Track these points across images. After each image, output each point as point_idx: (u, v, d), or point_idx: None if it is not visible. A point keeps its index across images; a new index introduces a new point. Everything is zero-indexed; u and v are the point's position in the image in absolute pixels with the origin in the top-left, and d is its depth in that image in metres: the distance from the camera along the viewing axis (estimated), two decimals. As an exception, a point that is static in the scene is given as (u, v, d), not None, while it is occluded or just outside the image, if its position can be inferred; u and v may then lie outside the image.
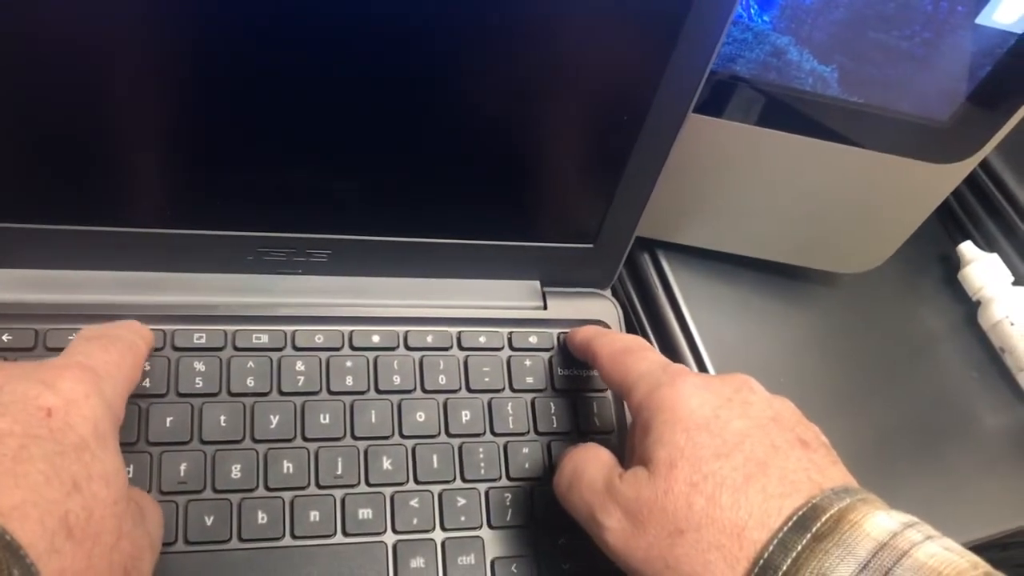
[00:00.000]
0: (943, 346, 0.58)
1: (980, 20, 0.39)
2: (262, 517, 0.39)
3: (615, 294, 0.53)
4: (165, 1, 0.33)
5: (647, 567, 0.33)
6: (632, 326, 0.54)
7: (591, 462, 0.37)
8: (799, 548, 0.30)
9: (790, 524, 0.31)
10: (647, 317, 0.54)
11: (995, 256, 0.58)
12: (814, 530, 0.30)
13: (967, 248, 0.58)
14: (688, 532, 0.32)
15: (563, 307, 0.47)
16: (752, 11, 0.40)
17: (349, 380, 0.42)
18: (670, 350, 0.52)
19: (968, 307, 0.59)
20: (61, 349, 0.38)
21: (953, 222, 0.62)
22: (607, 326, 0.47)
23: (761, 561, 0.30)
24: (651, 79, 0.39)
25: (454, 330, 0.45)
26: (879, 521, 0.30)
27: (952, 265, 0.60)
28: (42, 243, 0.39)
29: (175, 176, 0.39)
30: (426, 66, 0.37)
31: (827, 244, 0.52)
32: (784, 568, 0.30)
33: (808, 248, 0.53)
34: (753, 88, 0.43)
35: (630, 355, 0.39)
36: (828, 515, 0.31)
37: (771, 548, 0.30)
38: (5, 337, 0.39)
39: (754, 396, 0.36)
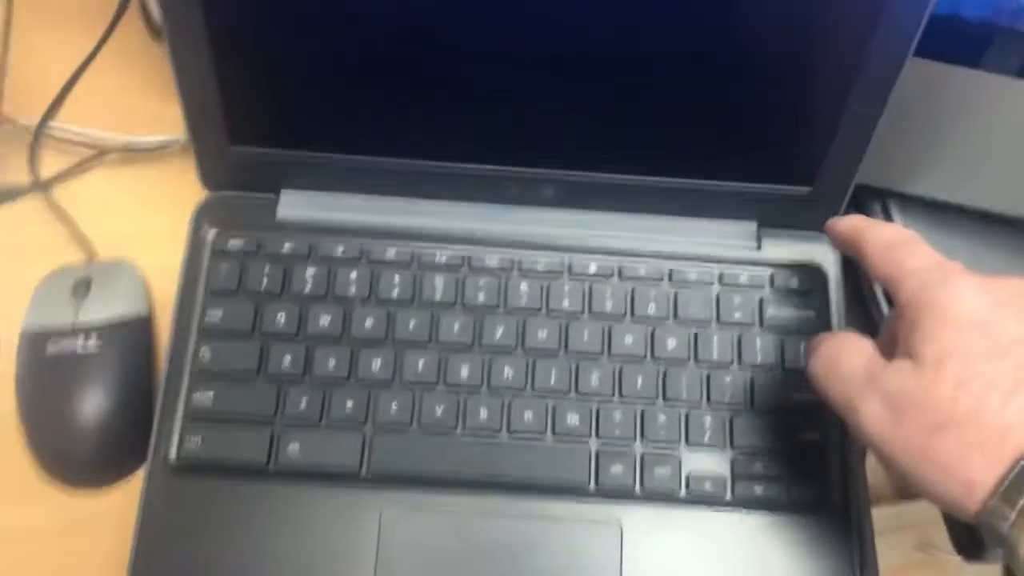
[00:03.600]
0: None
1: None
2: (484, 413, 0.44)
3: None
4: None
5: (903, 455, 0.34)
6: (855, 276, 0.54)
7: (851, 349, 0.37)
8: None
9: None
10: (872, 268, 0.53)
11: None
12: None
13: None
14: (950, 428, 0.33)
15: (778, 249, 0.49)
16: (981, -49, 0.39)
17: (566, 303, 0.47)
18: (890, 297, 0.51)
19: None
20: (329, 259, 0.46)
21: None
22: (823, 270, 0.48)
23: (1021, 463, 0.31)
24: (869, 16, 0.39)
25: (666, 264, 0.48)
26: None
27: None
28: (323, 169, 0.47)
29: (432, 116, 0.45)
30: (653, 8, 0.40)
31: (1075, 198, 0.50)
32: None
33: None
34: (985, 33, 0.42)
35: (902, 248, 0.38)
36: None
37: None
38: (286, 246, 0.47)
39: None
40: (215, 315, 0.45)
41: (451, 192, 0.48)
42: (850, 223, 0.42)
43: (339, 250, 0.47)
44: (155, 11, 0.57)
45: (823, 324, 0.47)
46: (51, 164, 0.56)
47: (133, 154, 0.56)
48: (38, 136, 0.56)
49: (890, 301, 0.51)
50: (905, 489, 0.47)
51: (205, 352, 0.45)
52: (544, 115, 0.45)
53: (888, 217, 0.54)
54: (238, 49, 0.42)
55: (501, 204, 0.48)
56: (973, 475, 0.32)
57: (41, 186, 0.55)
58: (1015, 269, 0.53)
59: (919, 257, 0.38)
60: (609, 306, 0.47)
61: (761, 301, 0.47)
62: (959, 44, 0.43)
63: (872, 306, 0.51)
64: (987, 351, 0.33)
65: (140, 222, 0.54)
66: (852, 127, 0.43)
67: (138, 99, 0.59)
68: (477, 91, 0.44)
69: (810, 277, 0.48)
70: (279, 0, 0.40)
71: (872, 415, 0.35)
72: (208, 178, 0.47)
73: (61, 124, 0.57)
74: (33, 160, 0.56)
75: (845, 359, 0.37)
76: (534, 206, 0.48)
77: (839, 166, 0.45)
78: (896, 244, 0.39)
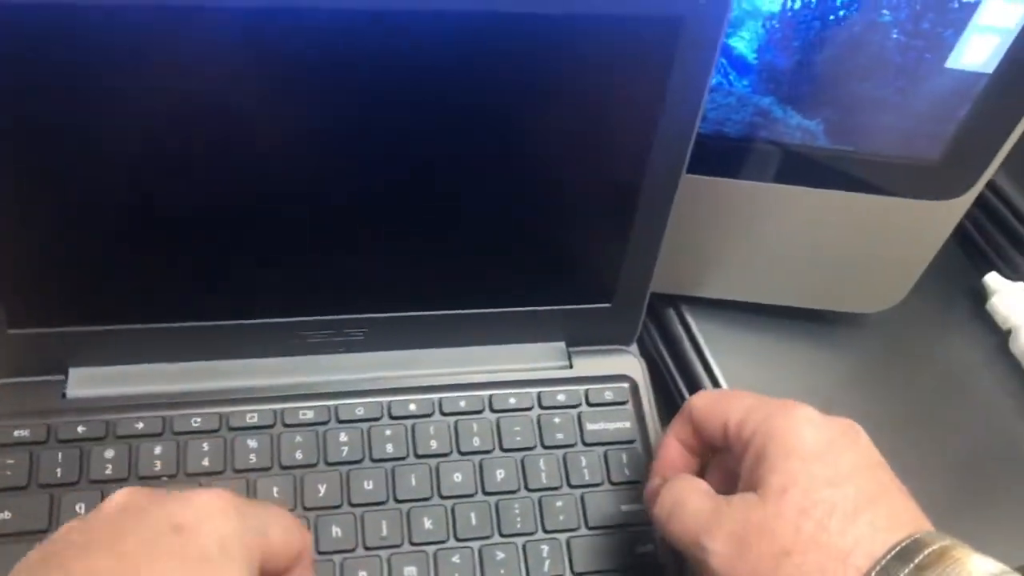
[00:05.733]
0: (977, 377, 0.58)
1: (950, 64, 0.42)
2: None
3: (645, 350, 0.56)
4: (205, 116, 0.38)
5: None
6: (663, 380, 0.56)
7: (693, 492, 0.38)
8: None
9: (893, 554, 0.32)
10: (677, 370, 0.56)
11: (1021, 284, 0.58)
12: (916, 561, 0.32)
13: (992, 279, 0.60)
14: (795, 554, 0.33)
15: (589, 365, 0.50)
16: (731, 77, 0.43)
17: (389, 447, 0.46)
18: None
19: (1000, 337, 0.59)
20: (129, 437, 0.43)
21: (978, 254, 0.63)
22: (633, 381, 0.50)
23: None
24: (642, 148, 0.42)
25: (485, 394, 0.48)
26: (980, 563, 0.32)
27: (981, 297, 0.61)
28: (111, 342, 0.44)
29: (221, 274, 0.44)
30: (438, 154, 0.41)
31: (842, 286, 0.54)
32: None
33: (824, 291, 0.55)
34: (746, 147, 0.46)
35: (728, 396, 0.40)
36: (931, 549, 0.32)
37: (873, 575, 0.32)
38: (80, 428, 0.43)
39: (861, 438, 0.37)
40: (4, 516, 0.41)
41: (252, 349, 0.46)
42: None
43: (139, 426, 0.44)
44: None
45: (640, 432, 0.48)
46: None
47: None
48: None
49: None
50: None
51: (-7, 561, 0.40)
52: (337, 261, 0.44)
53: (682, 319, 0.57)
54: (5, 229, 0.39)
55: (308, 354, 0.47)
56: None
57: None
58: (796, 354, 0.57)
59: (747, 399, 0.39)
60: (434, 445, 0.46)
61: (580, 418, 0.48)
62: (724, 158, 0.47)
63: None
64: (828, 479, 0.35)
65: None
66: (640, 243, 0.46)
67: None
68: (263, 246, 0.43)
69: (622, 388, 0.49)
70: (36, 175, 0.38)
71: (718, 550, 0.35)
72: (-17, 366, 0.43)
73: None
74: None
75: (689, 501, 0.38)
76: (342, 352, 0.47)
77: (633, 280, 0.47)
78: (720, 396, 0.41)
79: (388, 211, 0.43)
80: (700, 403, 0.41)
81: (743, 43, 0.42)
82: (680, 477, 0.40)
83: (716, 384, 0.54)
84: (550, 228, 0.45)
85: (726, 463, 0.40)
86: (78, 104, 0.36)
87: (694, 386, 0.54)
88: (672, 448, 0.42)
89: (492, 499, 0.45)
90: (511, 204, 0.44)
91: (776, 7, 0.41)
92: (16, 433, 0.43)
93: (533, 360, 0.49)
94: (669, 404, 0.54)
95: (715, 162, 0.47)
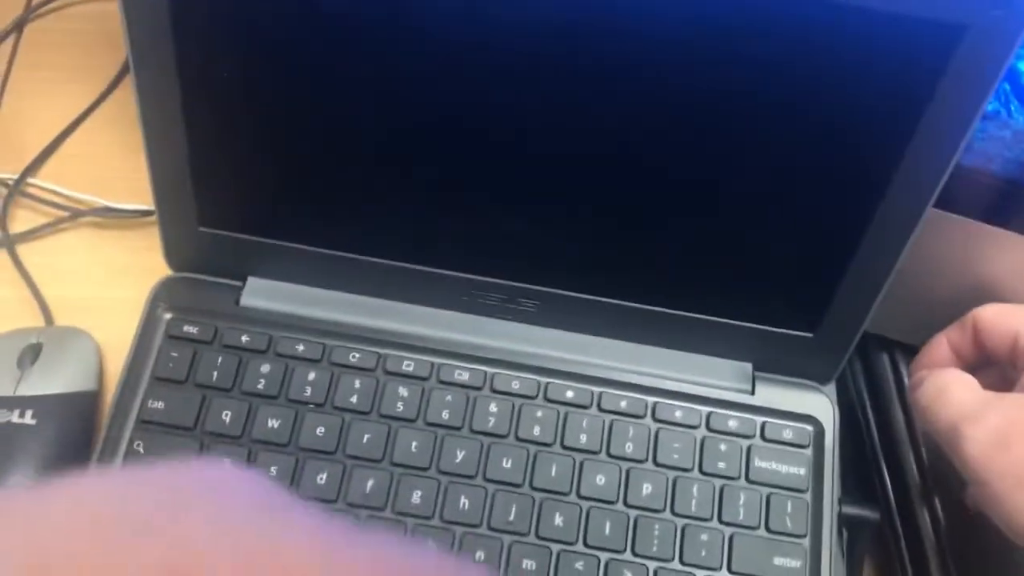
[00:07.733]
0: None
1: None
2: (431, 545, 0.40)
3: (847, 393, 0.50)
4: (414, 58, 0.36)
5: (1001, 480, 0.35)
6: (856, 428, 0.50)
7: (960, 382, 0.38)
8: None
9: None
10: (876, 423, 0.49)
11: None
12: None
13: None
14: None
15: (772, 395, 0.45)
16: (1012, 107, 0.36)
17: (537, 430, 0.43)
18: (894, 463, 0.47)
19: None
20: (287, 356, 0.43)
21: None
22: (819, 424, 0.44)
23: None
24: (888, 167, 0.36)
25: (650, 399, 0.44)
26: None
27: None
28: (291, 260, 0.44)
29: (411, 216, 0.42)
30: (663, 136, 0.37)
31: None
32: None
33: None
34: (1009, 190, 0.39)
35: (1016, 308, 0.40)
36: None
37: None
38: (244, 338, 0.44)
39: None
40: (157, 405, 0.42)
41: (425, 297, 0.45)
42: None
43: (299, 348, 0.44)
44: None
45: (814, 483, 0.43)
46: (24, 221, 0.53)
47: (109, 219, 0.54)
48: (14, 191, 0.54)
49: (892, 469, 0.47)
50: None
51: (139, 444, 0.41)
52: (534, 227, 0.42)
53: (895, 369, 0.51)
54: (215, 127, 0.39)
55: (477, 315, 0.45)
56: None
57: (7, 242, 0.52)
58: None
59: None
60: (583, 440, 0.43)
61: (749, 451, 0.43)
62: (980, 198, 0.40)
63: (873, 473, 0.47)
64: None
65: (105, 291, 0.51)
66: (862, 275, 0.40)
67: (126, 164, 0.56)
68: (464, 196, 0.41)
69: (805, 431, 0.44)
70: (262, 85, 0.38)
71: (977, 439, 0.36)
72: (172, 257, 0.45)
73: (41, 182, 0.54)
74: (4, 215, 0.53)
75: (955, 389, 0.38)
76: (513, 320, 0.45)
77: (845, 314, 0.42)
78: (1015, 308, 0.40)
79: (595, 188, 0.40)
80: (990, 312, 0.40)
81: (1037, 68, 0.36)
82: (948, 369, 0.40)
83: (916, 447, 0.47)
84: (765, 237, 0.41)
85: (995, 376, 0.40)
86: (326, 30, 0.36)
87: (891, 443, 0.48)
88: (941, 349, 0.42)
89: (632, 512, 0.42)
90: (729, 203, 0.40)
91: (1089, 31, 0.34)
92: (185, 328, 0.44)
93: (711, 376, 0.45)
94: (858, 456, 0.48)
95: (969, 200, 0.40)
